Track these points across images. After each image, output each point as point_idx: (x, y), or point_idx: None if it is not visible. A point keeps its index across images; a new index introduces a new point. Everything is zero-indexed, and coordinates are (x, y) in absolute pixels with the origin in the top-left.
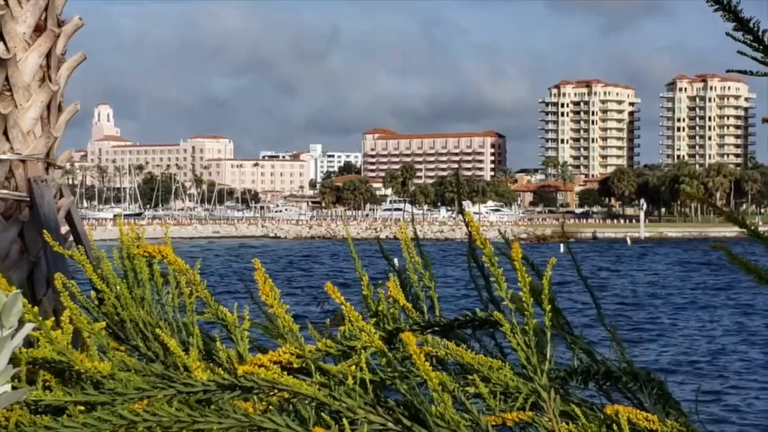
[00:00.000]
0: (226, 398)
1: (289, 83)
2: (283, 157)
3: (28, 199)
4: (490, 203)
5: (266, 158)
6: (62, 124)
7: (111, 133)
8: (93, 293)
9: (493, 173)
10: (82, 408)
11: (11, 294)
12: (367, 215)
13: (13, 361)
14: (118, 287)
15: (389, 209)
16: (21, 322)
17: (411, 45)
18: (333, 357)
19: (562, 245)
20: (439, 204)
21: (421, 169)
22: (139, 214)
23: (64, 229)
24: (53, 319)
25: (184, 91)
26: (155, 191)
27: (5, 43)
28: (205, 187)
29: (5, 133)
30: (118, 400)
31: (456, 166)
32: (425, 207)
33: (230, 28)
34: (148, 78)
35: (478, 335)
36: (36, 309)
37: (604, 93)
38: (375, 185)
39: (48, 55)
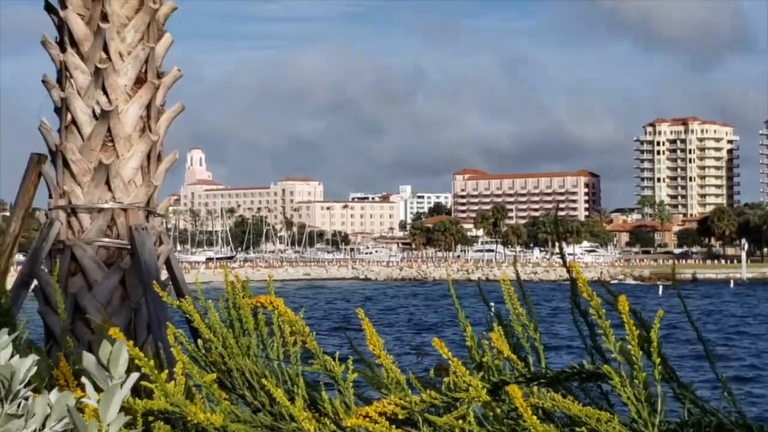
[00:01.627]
0: None
1: (376, 125)
2: (373, 198)
3: (129, 246)
4: (585, 244)
5: (356, 200)
6: (162, 173)
7: (203, 177)
8: (200, 342)
9: (587, 213)
10: None
11: (116, 343)
12: (458, 256)
13: (126, 409)
14: (224, 337)
15: (481, 250)
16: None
17: (497, 85)
18: (437, 408)
19: (661, 287)
20: (531, 245)
21: (512, 210)
22: (231, 257)
23: (164, 275)
24: (167, 371)
25: (273, 134)
26: (246, 234)
27: (107, 96)
28: (295, 229)
29: (107, 182)
30: None
31: (549, 206)
32: (518, 248)
33: (316, 72)
34: (237, 122)
35: (585, 386)
36: (152, 362)
37: (702, 130)
38: (466, 226)
39: (148, 107)
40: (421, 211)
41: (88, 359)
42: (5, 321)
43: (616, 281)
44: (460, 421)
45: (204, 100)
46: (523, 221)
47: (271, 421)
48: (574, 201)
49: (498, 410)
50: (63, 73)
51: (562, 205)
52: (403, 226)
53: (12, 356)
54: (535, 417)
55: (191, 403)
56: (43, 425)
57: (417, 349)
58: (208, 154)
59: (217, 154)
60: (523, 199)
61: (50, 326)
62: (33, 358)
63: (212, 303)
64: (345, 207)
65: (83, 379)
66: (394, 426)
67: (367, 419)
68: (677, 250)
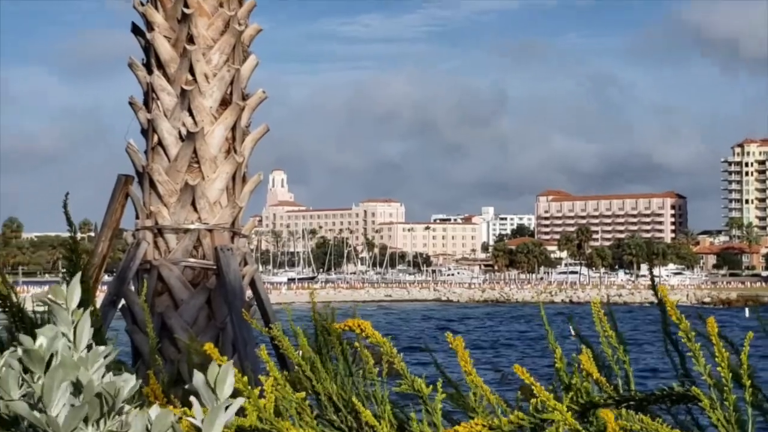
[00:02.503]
0: None
1: (458, 147)
2: (455, 220)
3: (214, 267)
4: (671, 266)
5: (438, 221)
6: (246, 194)
7: (285, 199)
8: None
9: (673, 235)
10: None
11: (223, 366)
12: (541, 278)
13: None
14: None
15: (564, 272)
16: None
17: (580, 106)
18: (524, 429)
19: (747, 310)
20: (616, 267)
21: (597, 231)
22: (312, 278)
23: (248, 295)
24: (259, 388)
25: (354, 156)
26: (328, 255)
27: (193, 117)
28: (377, 250)
29: (193, 203)
30: None
31: (634, 228)
32: (602, 270)
33: (398, 94)
34: (319, 144)
35: (673, 410)
36: (245, 379)
37: None
38: (549, 248)
39: (233, 128)
40: (503, 232)
41: (198, 378)
42: (96, 340)
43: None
44: None
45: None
46: (607, 243)
47: None
48: (660, 222)
49: None
50: (149, 95)
51: (648, 227)
52: (485, 247)
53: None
54: None
55: (285, 422)
56: None
57: (500, 371)
58: (290, 176)
59: (299, 175)
60: (608, 220)
61: (137, 344)
62: (133, 377)
63: (300, 329)
64: (427, 228)
65: (191, 398)
66: None
67: None
68: (765, 273)
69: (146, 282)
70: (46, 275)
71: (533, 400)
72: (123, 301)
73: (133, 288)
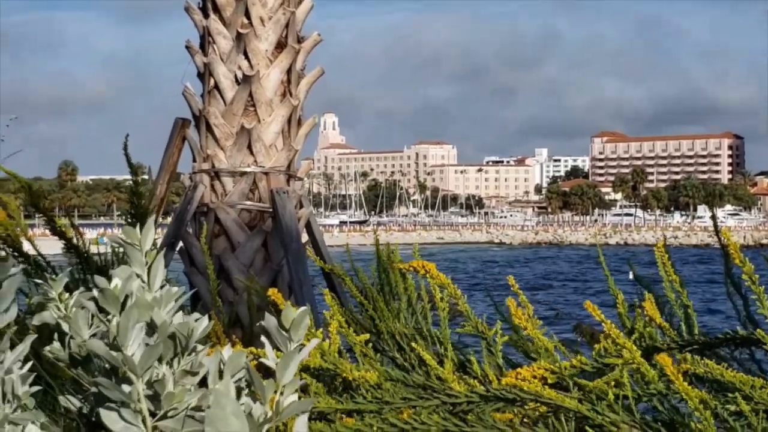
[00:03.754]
0: (487, 410)
1: (508, 89)
2: (508, 162)
3: (270, 209)
4: (727, 207)
5: (490, 163)
6: (302, 137)
7: (336, 141)
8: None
9: (730, 176)
10: (345, 415)
11: (300, 311)
12: (595, 221)
13: None
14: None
15: (619, 214)
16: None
17: (630, 48)
18: (586, 374)
19: None
20: (672, 209)
21: (652, 173)
22: (364, 221)
23: (304, 238)
24: (321, 330)
25: (404, 99)
26: (380, 198)
27: (249, 61)
28: (428, 193)
29: (249, 146)
30: (386, 408)
31: (690, 169)
32: (657, 212)
33: (447, 37)
34: (369, 87)
35: (736, 354)
36: (311, 322)
37: None
38: (604, 190)
39: (289, 71)
40: (557, 174)
41: (269, 321)
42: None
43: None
44: (612, 385)
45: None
46: (663, 184)
47: (423, 381)
48: (717, 163)
49: (651, 374)
50: (206, 39)
51: (704, 168)
52: (538, 189)
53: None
54: (686, 383)
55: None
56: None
57: (555, 309)
58: (341, 119)
59: (349, 118)
60: (664, 161)
61: (196, 286)
62: (206, 317)
63: (361, 269)
64: (479, 170)
65: (263, 339)
66: (548, 388)
67: (521, 380)
68: None
69: (204, 224)
70: (101, 218)
71: (596, 345)
72: (181, 244)
73: (190, 231)
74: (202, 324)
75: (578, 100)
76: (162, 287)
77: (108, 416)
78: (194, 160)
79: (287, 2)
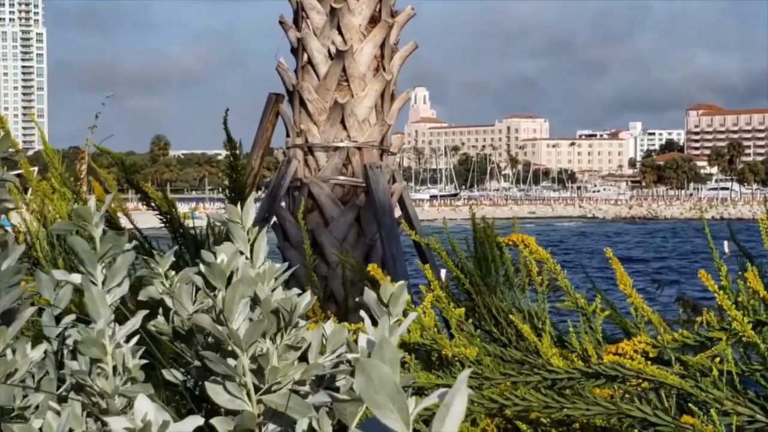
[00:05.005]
0: (587, 386)
1: (599, 62)
2: (601, 135)
3: (363, 184)
4: None
5: (583, 137)
6: (395, 112)
7: (427, 115)
8: (445, 279)
9: None
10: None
11: (398, 285)
12: (690, 195)
13: None
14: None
15: (714, 188)
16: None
17: (722, 20)
18: (689, 347)
19: None
20: None
21: (749, 146)
22: (454, 195)
23: (397, 213)
24: (421, 306)
25: (495, 72)
26: (470, 172)
27: (342, 36)
28: (520, 167)
29: (342, 121)
30: (485, 384)
31: None
32: (754, 186)
33: (537, 8)
34: (459, 61)
35: None
36: (408, 297)
37: None
38: (699, 163)
39: (382, 46)
40: (651, 148)
41: (369, 295)
42: None
43: None
44: (717, 360)
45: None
46: (760, 158)
47: (521, 356)
48: None
49: (762, 348)
50: (299, 14)
51: None
52: (632, 163)
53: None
54: None
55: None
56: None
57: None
58: (432, 93)
59: (440, 92)
60: (761, 135)
61: (289, 260)
62: (308, 293)
63: (457, 244)
64: (572, 144)
65: (362, 313)
66: (649, 363)
67: (622, 356)
68: None
69: (301, 199)
70: (193, 192)
71: (699, 318)
72: (274, 218)
73: (283, 205)
74: (304, 299)
75: (671, 73)
76: (264, 263)
77: (214, 390)
78: (287, 135)
79: None
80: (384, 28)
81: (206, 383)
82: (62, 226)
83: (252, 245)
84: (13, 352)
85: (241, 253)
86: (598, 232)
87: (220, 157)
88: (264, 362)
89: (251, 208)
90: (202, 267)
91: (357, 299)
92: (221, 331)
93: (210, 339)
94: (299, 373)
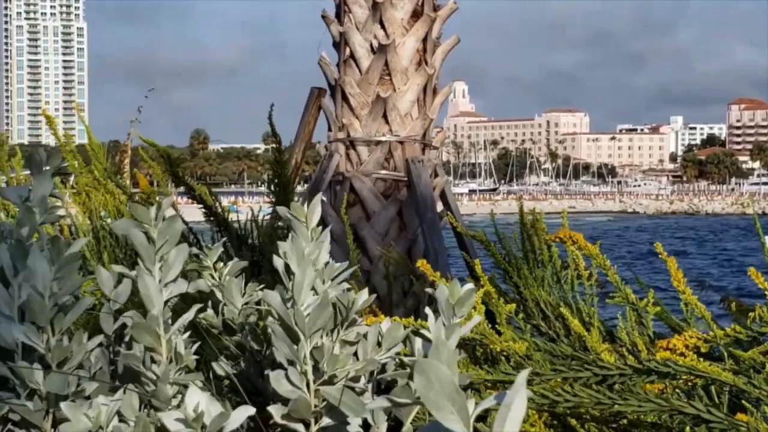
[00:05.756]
0: (638, 382)
1: (639, 55)
2: (642, 130)
3: (405, 179)
4: None
5: (624, 131)
6: (437, 106)
7: (466, 110)
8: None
9: None
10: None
11: (467, 288)
12: (732, 190)
13: None
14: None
15: (757, 183)
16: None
17: (766, 13)
18: (741, 343)
19: None
20: None
21: None
22: (494, 190)
23: (439, 207)
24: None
25: (532, 67)
26: (510, 166)
27: (385, 30)
28: (560, 161)
29: (384, 115)
30: (536, 380)
31: None
32: None
33: (574, 3)
34: (497, 54)
35: None
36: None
37: None
38: (741, 158)
39: (424, 40)
40: (693, 142)
41: (441, 293)
42: None
43: None
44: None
45: (464, 30)
46: None
47: (571, 352)
48: None
49: None
50: (342, 8)
51: None
52: (673, 158)
53: None
54: None
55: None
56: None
57: (701, 281)
58: (471, 86)
59: (479, 86)
60: None
61: (331, 255)
62: (365, 290)
63: (506, 234)
64: (612, 139)
65: (426, 310)
66: (701, 359)
67: (674, 352)
68: None
69: (344, 194)
70: (232, 186)
71: (751, 313)
72: None
73: (325, 200)
74: (362, 296)
75: (713, 67)
76: (327, 263)
77: (276, 378)
78: (329, 129)
79: None
80: (426, 22)
81: (269, 372)
82: (123, 225)
83: (314, 243)
84: (69, 340)
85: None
86: (642, 225)
87: (259, 151)
88: (319, 354)
89: (316, 207)
90: (284, 245)
91: (428, 295)
92: (288, 313)
93: (261, 334)
94: (358, 366)
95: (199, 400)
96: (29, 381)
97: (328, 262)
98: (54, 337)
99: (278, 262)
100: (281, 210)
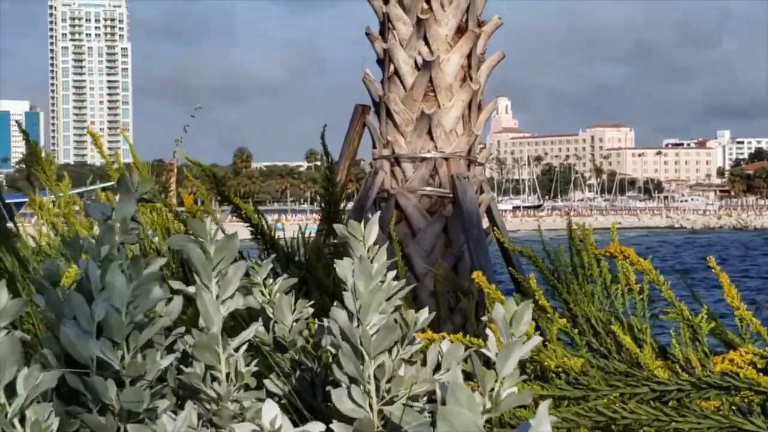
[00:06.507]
0: (695, 399)
1: (684, 69)
2: (688, 144)
3: (451, 195)
4: None
5: (669, 146)
6: (482, 122)
7: (509, 125)
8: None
9: None
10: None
11: (522, 304)
12: None
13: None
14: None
15: None
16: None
17: None
18: None
19: None
20: None
21: None
22: (538, 206)
23: (484, 223)
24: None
25: (575, 82)
26: (554, 182)
27: (429, 46)
28: (605, 177)
29: (429, 132)
30: (591, 396)
31: None
32: None
33: (617, 16)
34: (540, 70)
35: None
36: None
37: None
38: None
39: (469, 56)
40: (740, 156)
41: (497, 311)
42: None
43: None
44: None
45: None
46: None
47: (625, 368)
48: None
49: None
50: (385, 25)
51: None
52: (721, 172)
53: None
54: None
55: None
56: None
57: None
58: (513, 102)
59: (521, 101)
60: None
61: None
62: (425, 309)
63: (561, 248)
64: (658, 153)
65: (487, 331)
66: (761, 374)
67: (733, 365)
68: None
69: (389, 210)
70: (275, 204)
71: None
72: None
73: (370, 216)
74: (423, 315)
75: (760, 80)
76: (383, 281)
77: (338, 397)
78: (374, 146)
79: None
80: (471, 38)
81: (331, 389)
82: (179, 240)
83: (371, 261)
84: (143, 357)
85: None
86: (689, 241)
87: (302, 169)
88: (381, 373)
89: (374, 226)
90: (349, 265)
91: (485, 316)
92: (354, 332)
93: (307, 351)
94: (421, 386)
95: (276, 413)
96: (103, 396)
97: (384, 280)
98: (129, 354)
99: (348, 280)
100: (339, 228)
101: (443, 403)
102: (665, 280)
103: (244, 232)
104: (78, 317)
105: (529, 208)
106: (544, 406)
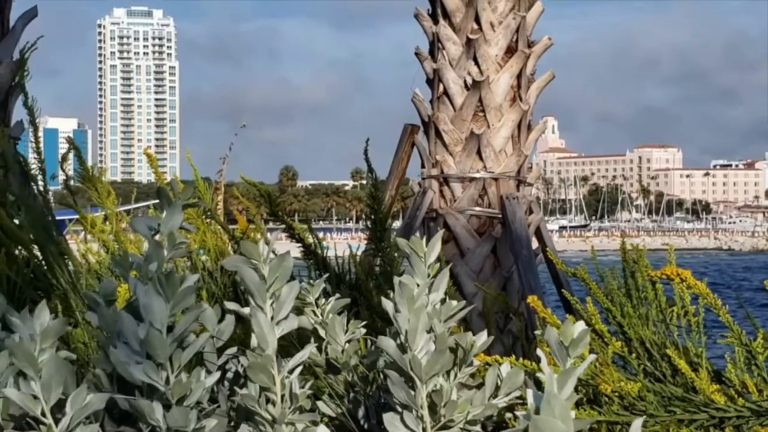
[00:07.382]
0: (755, 425)
1: (732, 89)
2: (736, 165)
3: (500, 215)
4: None
5: (718, 167)
6: (531, 143)
7: (556, 146)
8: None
9: None
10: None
11: (582, 330)
12: None
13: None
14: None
15: None
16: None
17: None
18: None
19: None
20: None
21: None
22: (584, 226)
23: (534, 244)
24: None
25: (623, 102)
26: (601, 202)
27: (479, 66)
28: (652, 197)
29: (478, 152)
30: (650, 421)
31: None
32: None
33: (665, 38)
34: (587, 90)
35: None
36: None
37: None
38: None
39: (519, 76)
40: None
41: (550, 335)
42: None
43: None
44: None
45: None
46: None
47: (682, 393)
48: None
49: None
50: (435, 45)
51: None
52: None
53: None
54: None
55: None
56: (494, 396)
57: None
58: (560, 122)
59: (569, 121)
60: None
61: None
62: (484, 332)
63: (609, 271)
64: (706, 174)
65: (539, 352)
66: None
67: None
68: None
69: (437, 230)
70: (320, 222)
71: None
72: None
73: (418, 236)
74: (481, 338)
75: None
76: (443, 301)
77: (390, 421)
78: (423, 166)
79: (517, 6)
80: (521, 58)
81: (384, 414)
82: (234, 262)
83: (432, 280)
84: (188, 376)
85: (418, 286)
86: (739, 263)
87: (347, 188)
88: (438, 398)
89: (437, 245)
90: (395, 294)
91: (537, 338)
92: (403, 358)
93: (360, 372)
94: (476, 412)
95: None
96: (150, 417)
97: (444, 300)
98: (173, 374)
99: (388, 306)
100: (401, 243)
101: (536, 412)
102: (723, 303)
103: (293, 249)
104: (128, 337)
105: (575, 228)
106: (637, 422)
